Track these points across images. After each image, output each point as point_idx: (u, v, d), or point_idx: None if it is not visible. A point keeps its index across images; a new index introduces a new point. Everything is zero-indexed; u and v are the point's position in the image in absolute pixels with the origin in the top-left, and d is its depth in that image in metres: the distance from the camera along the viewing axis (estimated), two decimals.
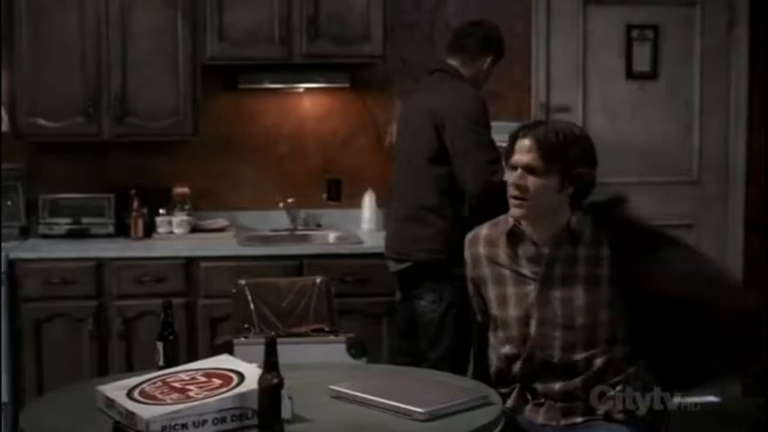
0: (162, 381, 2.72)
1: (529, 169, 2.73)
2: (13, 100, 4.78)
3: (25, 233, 4.98)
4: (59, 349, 4.54)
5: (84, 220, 4.94)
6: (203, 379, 2.70)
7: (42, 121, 4.78)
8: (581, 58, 5.45)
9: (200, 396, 2.57)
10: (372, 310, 4.64)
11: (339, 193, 5.28)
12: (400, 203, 4.09)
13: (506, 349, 2.87)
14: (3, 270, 4.48)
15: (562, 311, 2.77)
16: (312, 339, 3.36)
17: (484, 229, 2.94)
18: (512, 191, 2.75)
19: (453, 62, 4.18)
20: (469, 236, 2.97)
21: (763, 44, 5.45)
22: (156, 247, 4.76)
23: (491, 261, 2.88)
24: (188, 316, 4.58)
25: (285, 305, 3.71)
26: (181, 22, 4.80)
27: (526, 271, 2.82)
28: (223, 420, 2.52)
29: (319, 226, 5.22)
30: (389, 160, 5.09)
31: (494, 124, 4.42)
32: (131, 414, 2.53)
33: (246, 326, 3.61)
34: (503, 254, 2.85)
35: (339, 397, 2.75)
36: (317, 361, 3.26)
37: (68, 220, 4.93)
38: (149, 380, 2.74)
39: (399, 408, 2.60)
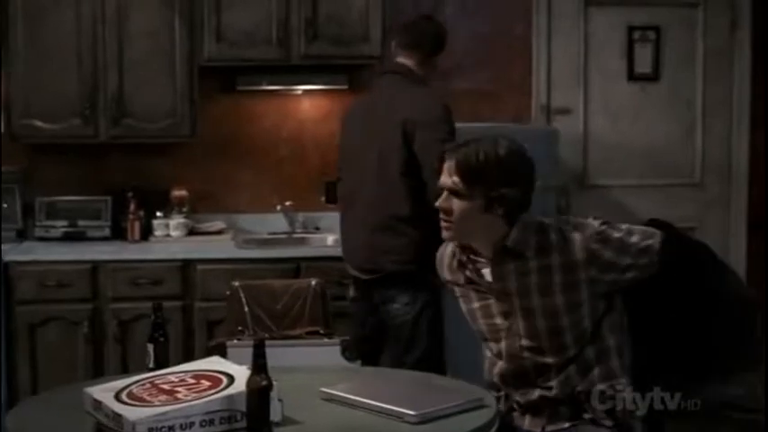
0: (150, 383, 2.69)
1: (452, 192, 2.69)
2: (8, 101, 4.75)
3: (22, 236, 4.94)
4: (54, 353, 4.51)
5: (81, 222, 4.91)
6: (192, 381, 2.67)
7: (38, 123, 4.75)
8: (582, 60, 5.40)
9: (189, 398, 2.54)
10: None
11: (337, 195, 5.23)
12: (369, 214, 3.86)
13: (490, 360, 2.87)
14: None
15: (524, 322, 2.74)
16: (306, 342, 3.32)
17: (447, 252, 2.90)
18: (440, 213, 2.74)
19: (407, 62, 3.96)
20: (436, 260, 2.96)
21: (766, 45, 5.41)
22: (152, 250, 4.72)
23: (455, 284, 2.89)
24: (184, 319, 4.54)
25: (280, 307, 3.67)
26: (178, 23, 4.77)
27: (482, 287, 2.80)
28: (211, 423, 2.48)
29: (317, 229, 5.18)
30: None
31: (493, 125, 4.40)
32: (118, 416, 2.50)
33: (240, 328, 3.57)
34: (461, 274, 2.84)
35: (330, 399, 2.72)
36: (311, 364, 3.22)
37: (64, 223, 4.90)
38: (138, 381, 2.70)
39: (390, 410, 2.56)
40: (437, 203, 2.74)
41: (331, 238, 5.02)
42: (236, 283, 3.70)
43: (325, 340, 3.32)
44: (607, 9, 5.41)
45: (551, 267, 2.70)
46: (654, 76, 5.45)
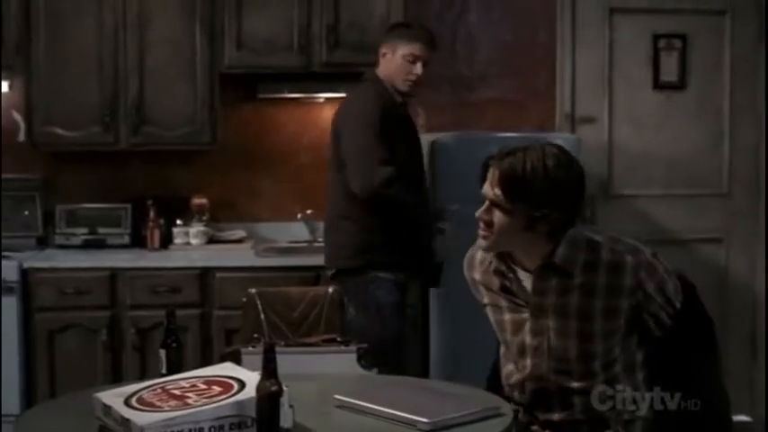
0: (161, 388, 2.65)
1: (494, 204, 2.54)
2: (29, 108, 4.75)
3: (42, 244, 4.94)
4: (73, 360, 4.49)
5: (101, 230, 4.90)
6: (203, 386, 2.63)
7: (59, 130, 4.76)
8: (607, 68, 5.33)
9: (198, 403, 2.50)
10: None
11: None
12: (327, 213, 4.15)
13: (508, 368, 2.77)
14: (16, 279, 4.43)
15: (555, 342, 2.63)
16: (321, 349, 3.26)
17: (478, 253, 2.76)
18: (480, 222, 2.60)
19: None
20: (466, 258, 2.82)
21: None
22: (171, 258, 4.70)
23: (487, 288, 2.75)
24: (202, 327, 4.52)
25: (296, 315, 3.62)
26: (199, 30, 4.76)
27: (519, 299, 2.68)
28: (221, 428, 2.44)
29: None
30: None
31: (516, 135, 4.33)
32: (126, 420, 2.46)
33: (256, 335, 3.52)
34: (496, 280, 2.71)
35: (343, 406, 2.68)
36: (327, 371, 3.17)
37: (85, 231, 4.89)
38: (148, 387, 2.67)
39: (403, 417, 2.50)
40: (477, 214, 2.57)
41: None
42: (253, 290, 3.66)
43: (342, 348, 3.26)
44: (632, 17, 5.33)
45: (595, 288, 2.55)
46: (680, 85, 5.36)
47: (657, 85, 5.37)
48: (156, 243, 4.84)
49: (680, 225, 5.36)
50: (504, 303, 2.70)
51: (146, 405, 2.53)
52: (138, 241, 4.90)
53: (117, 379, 4.45)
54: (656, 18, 5.34)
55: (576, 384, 2.63)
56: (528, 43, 5.29)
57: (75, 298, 4.48)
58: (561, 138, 5.00)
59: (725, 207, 5.42)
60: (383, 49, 4.08)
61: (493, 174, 2.54)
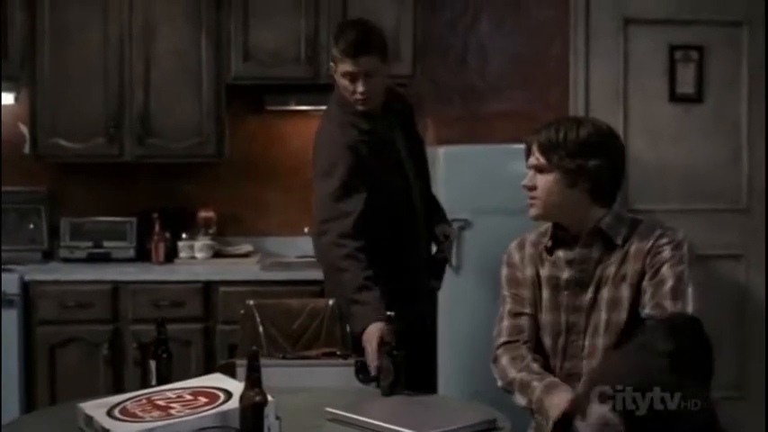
0: (147, 399, 2.60)
1: (537, 169, 2.67)
2: (33, 120, 4.71)
3: (48, 257, 4.88)
4: (74, 375, 4.42)
5: (106, 243, 4.84)
6: (189, 397, 2.57)
7: (63, 142, 4.71)
8: (622, 81, 5.22)
9: (182, 414, 2.43)
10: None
11: None
12: None
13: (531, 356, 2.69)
14: (17, 292, 4.38)
15: (593, 316, 2.62)
16: (318, 362, 3.16)
17: (532, 235, 2.82)
18: (529, 192, 2.71)
19: None
20: (511, 251, 2.83)
21: None
22: (175, 271, 4.63)
23: (533, 262, 2.75)
24: (206, 342, 4.44)
25: (295, 327, 3.53)
26: (205, 41, 4.71)
27: (564, 274, 2.68)
28: None
29: None
30: None
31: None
32: (106, 431, 2.40)
33: (254, 348, 3.42)
34: (540, 264, 2.74)
35: (334, 419, 2.63)
36: (324, 385, 3.07)
37: (89, 244, 4.83)
38: (134, 397, 2.61)
39: (393, 430, 2.44)
40: (523, 183, 2.68)
41: None
42: (251, 302, 3.58)
43: (339, 361, 3.16)
44: (648, 28, 5.22)
45: (628, 256, 2.60)
46: (697, 98, 5.24)
47: (674, 97, 5.25)
48: (161, 257, 4.77)
49: (697, 241, 5.14)
50: (545, 279, 2.70)
51: (128, 415, 2.48)
52: (143, 255, 4.83)
53: (118, 394, 4.37)
54: (672, 29, 5.23)
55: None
56: (541, 55, 5.20)
57: (77, 311, 4.42)
58: None
59: (744, 223, 5.28)
60: (332, 66, 3.51)
61: (533, 149, 2.66)
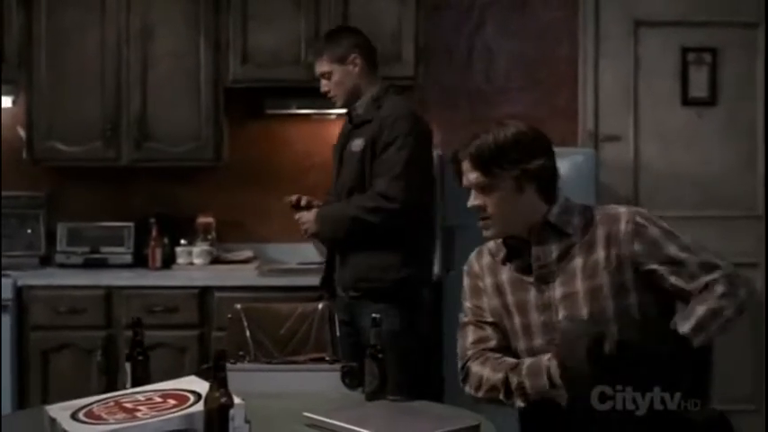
0: (115, 401, 2.50)
1: (479, 187, 2.54)
2: (30, 123, 4.65)
3: (46, 263, 4.81)
4: (67, 381, 4.33)
5: (103, 249, 4.77)
6: (159, 399, 2.47)
7: (60, 146, 4.65)
8: (632, 84, 5.09)
9: (147, 416, 2.33)
10: None
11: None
12: None
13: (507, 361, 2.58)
14: (11, 297, 4.31)
15: (565, 310, 2.50)
16: (303, 367, 3.06)
17: (491, 243, 2.68)
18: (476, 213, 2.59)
19: None
20: (470, 263, 2.74)
21: None
22: (171, 277, 4.54)
23: (491, 271, 2.66)
24: (201, 349, 4.34)
25: (284, 332, 3.44)
26: (203, 44, 4.64)
27: (526, 275, 2.58)
28: None
29: None
30: None
31: None
32: None
33: (242, 353, 3.33)
34: (505, 271, 2.62)
35: (313, 425, 2.53)
36: (310, 390, 2.97)
37: (86, 249, 4.76)
38: (102, 400, 2.51)
39: None
40: (468, 205, 2.58)
41: None
42: (239, 306, 3.49)
43: (324, 365, 3.05)
44: (659, 30, 5.10)
45: (595, 242, 2.50)
46: (710, 101, 5.10)
47: (686, 101, 5.11)
48: (158, 262, 4.68)
49: (711, 248, 5.01)
50: (508, 289, 2.61)
51: (93, 418, 2.38)
52: (140, 261, 4.75)
53: None
54: (684, 31, 5.10)
55: None
56: (549, 57, 5.08)
57: (70, 317, 4.34)
58: (580, 153, 4.81)
59: (759, 230, 5.11)
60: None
61: (465, 164, 2.56)
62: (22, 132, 4.73)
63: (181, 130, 4.66)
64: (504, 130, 2.52)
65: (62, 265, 4.74)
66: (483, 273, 2.66)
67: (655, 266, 2.46)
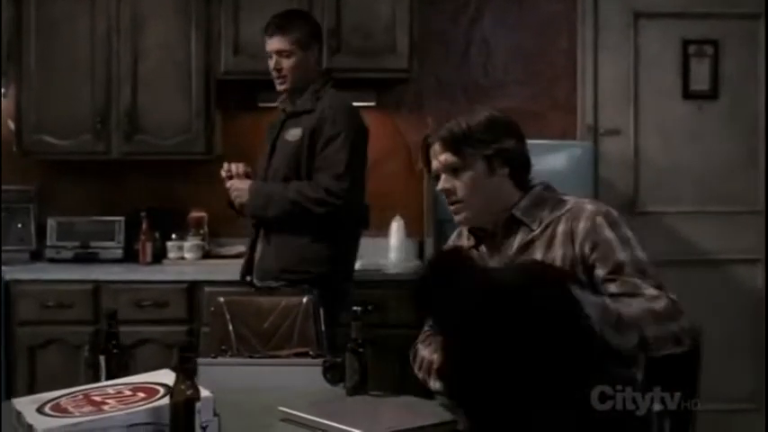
0: (84, 395, 2.42)
1: (450, 169, 2.48)
2: (19, 116, 4.59)
3: (37, 258, 4.75)
4: (55, 377, 4.24)
5: (93, 244, 4.71)
6: (128, 393, 2.39)
7: (49, 138, 4.59)
8: (632, 77, 5.01)
9: (114, 410, 2.26)
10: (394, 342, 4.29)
11: (367, 220, 4.93)
12: None
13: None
14: None
15: None
16: (283, 361, 2.98)
17: (454, 235, 2.67)
18: (446, 198, 2.52)
19: None
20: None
21: None
22: (159, 271, 4.48)
23: None
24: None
25: (267, 326, 3.35)
26: (194, 35, 4.58)
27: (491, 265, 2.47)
28: None
29: None
30: (420, 185, 4.77)
31: (536, 143, 4.03)
32: (30, 426, 2.23)
33: (224, 347, 3.25)
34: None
35: (287, 419, 2.46)
36: (292, 385, 2.89)
37: (76, 244, 4.70)
38: (71, 393, 2.44)
39: (342, 430, 2.28)
40: (438, 188, 2.52)
41: (358, 264, 4.70)
42: (221, 299, 3.41)
43: (305, 360, 2.97)
44: (659, 21, 5.00)
45: (554, 239, 2.40)
46: (712, 94, 5.01)
47: (687, 94, 5.03)
48: (148, 257, 4.62)
49: (712, 245, 4.98)
50: None
51: (58, 411, 2.31)
52: (131, 256, 4.68)
53: None
54: (685, 23, 5.00)
55: None
56: (547, 49, 4.99)
57: (58, 312, 4.27)
58: (579, 147, 4.73)
59: (761, 225, 5.01)
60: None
61: (434, 148, 2.50)
62: (11, 125, 4.68)
63: (172, 123, 4.59)
64: (476, 114, 2.48)
65: (52, 260, 4.67)
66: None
67: (600, 271, 2.32)
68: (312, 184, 3.65)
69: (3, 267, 4.39)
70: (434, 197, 4.37)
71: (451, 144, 2.44)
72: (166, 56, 4.59)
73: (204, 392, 2.26)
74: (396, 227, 4.81)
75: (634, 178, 5.02)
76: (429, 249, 4.54)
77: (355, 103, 4.79)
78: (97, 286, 4.31)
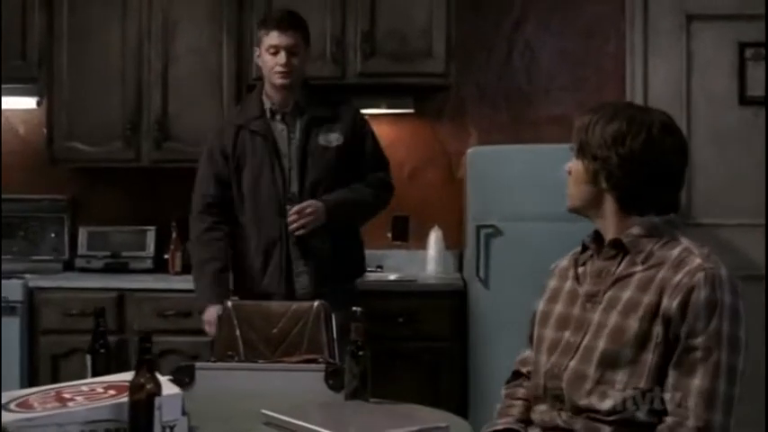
0: (56, 392, 2.31)
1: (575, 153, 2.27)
2: (51, 123, 4.55)
3: (69, 267, 4.69)
4: None
5: (124, 253, 4.64)
6: (100, 390, 2.27)
7: (80, 146, 4.54)
8: (685, 82, 4.78)
9: (76, 406, 2.14)
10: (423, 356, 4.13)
11: (406, 231, 4.78)
12: None
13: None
14: (21, 299, 4.19)
15: (589, 341, 2.15)
16: (282, 366, 2.83)
17: (565, 260, 2.38)
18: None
19: None
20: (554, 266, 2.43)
21: None
22: (187, 281, 4.33)
23: (561, 274, 2.33)
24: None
25: (276, 332, 3.21)
26: (226, 40, 4.50)
27: (583, 287, 2.24)
28: None
29: (380, 267, 4.69)
30: (460, 195, 4.60)
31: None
32: None
33: (230, 353, 3.12)
34: (572, 272, 2.30)
35: (269, 423, 2.34)
36: (293, 391, 2.74)
37: (107, 254, 4.63)
38: (45, 390, 2.34)
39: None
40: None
41: (393, 276, 4.55)
42: (229, 304, 3.28)
43: (304, 365, 2.81)
44: (713, 24, 4.77)
45: (651, 283, 2.10)
46: None
47: (744, 100, 4.78)
48: (178, 267, 4.52)
49: None
50: (565, 292, 2.28)
51: (24, 407, 2.20)
52: (161, 266, 4.59)
53: None
54: (741, 25, 4.76)
55: (585, 402, 2.10)
56: (594, 54, 4.79)
57: (81, 320, 4.17)
58: None
59: None
60: (256, 52, 3.72)
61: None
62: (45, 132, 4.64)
63: (202, 130, 4.43)
64: (614, 115, 2.20)
65: (83, 270, 4.61)
66: (554, 274, 2.36)
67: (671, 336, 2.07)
68: (375, 184, 3.72)
69: (28, 276, 4.33)
70: (474, 207, 4.21)
71: (576, 130, 2.27)
72: (197, 62, 4.51)
73: (170, 389, 2.13)
74: (434, 237, 4.65)
75: (687, 188, 4.74)
76: (468, 260, 4.35)
77: (392, 110, 4.71)
78: (122, 295, 4.22)
